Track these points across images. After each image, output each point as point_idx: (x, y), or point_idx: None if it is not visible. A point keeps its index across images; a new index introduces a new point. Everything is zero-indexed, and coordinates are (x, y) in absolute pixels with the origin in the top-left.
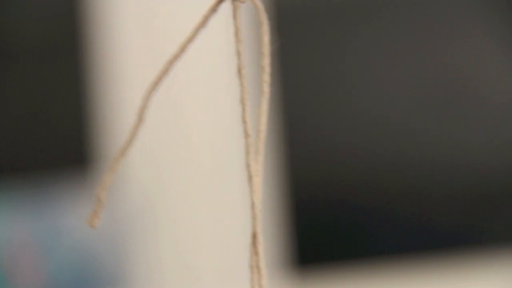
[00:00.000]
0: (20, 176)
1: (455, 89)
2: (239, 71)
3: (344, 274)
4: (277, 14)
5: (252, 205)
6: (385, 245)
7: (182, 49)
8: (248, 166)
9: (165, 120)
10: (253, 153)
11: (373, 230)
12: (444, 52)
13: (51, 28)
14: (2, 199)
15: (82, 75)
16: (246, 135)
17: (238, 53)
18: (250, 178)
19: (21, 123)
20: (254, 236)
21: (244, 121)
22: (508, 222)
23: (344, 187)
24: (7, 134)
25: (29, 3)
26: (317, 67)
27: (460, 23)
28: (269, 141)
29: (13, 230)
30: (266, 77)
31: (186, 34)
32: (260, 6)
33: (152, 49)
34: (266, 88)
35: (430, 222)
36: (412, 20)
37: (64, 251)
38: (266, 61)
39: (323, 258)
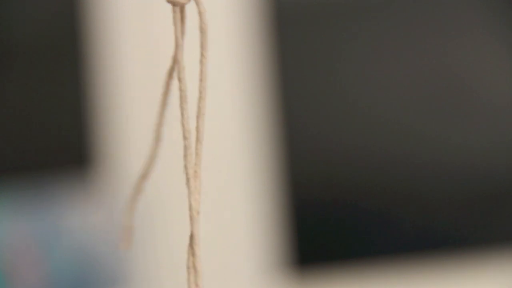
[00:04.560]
0: (20, 176)
1: (456, 90)
2: (179, 76)
3: (344, 274)
4: (277, 14)
5: (190, 207)
6: (385, 245)
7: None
8: (185, 168)
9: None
10: (191, 155)
11: (373, 230)
12: (445, 52)
13: (51, 28)
14: (2, 199)
15: (82, 75)
16: (184, 137)
17: (177, 60)
18: (187, 180)
19: (21, 123)
20: (191, 237)
21: (182, 124)
22: (508, 222)
23: (344, 187)
24: (7, 134)
25: (29, 3)
26: (317, 67)
27: (460, 23)
28: (269, 141)
29: (13, 230)
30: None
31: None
32: (203, 10)
33: (152, 49)
34: (203, 92)
35: (430, 223)
36: (412, 21)
37: (64, 251)
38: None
39: (323, 258)
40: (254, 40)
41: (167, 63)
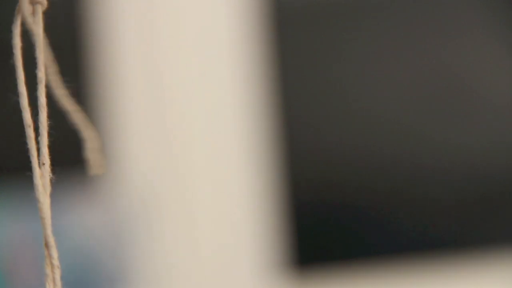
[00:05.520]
0: (20, 176)
1: (456, 90)
2: (40, 80)
3: (344, 274)
4: (277, 14)
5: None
6: (385, 245)
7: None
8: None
9: (163, 122)
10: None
11: (373, 230)
12: (445, 52)
13: (51, 28)
14: (2, 199)
15: (82, 75)
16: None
17: (40, 62)
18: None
19: (21, 123)
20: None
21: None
22: (508, 222)
23: (344, 188)
24: (7, 134)
25: None
26: (317, 67)
27: (460, 23)
28: (269, 141)
29: (13, 230)
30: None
31: (185, 34)
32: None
33: (152, 49)
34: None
35: (430, 223)
36: (412, 21)
37: (64, 251)
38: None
39: (323, 258)
40: (254, 40)
41: (168, 63)
